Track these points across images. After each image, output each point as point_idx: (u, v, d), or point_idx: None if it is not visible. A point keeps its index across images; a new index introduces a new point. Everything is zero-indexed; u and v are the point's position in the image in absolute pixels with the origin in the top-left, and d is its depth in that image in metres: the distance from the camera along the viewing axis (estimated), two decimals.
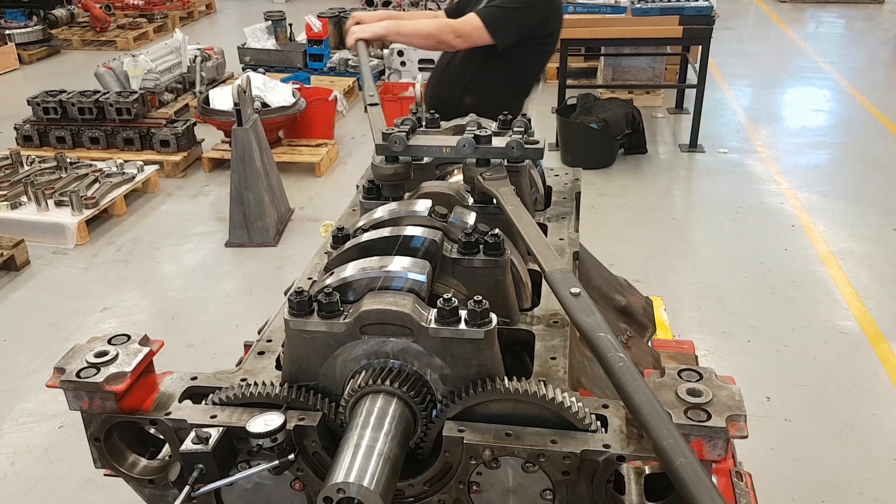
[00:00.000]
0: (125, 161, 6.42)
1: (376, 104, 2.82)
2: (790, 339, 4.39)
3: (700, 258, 5.38)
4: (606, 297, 2.52)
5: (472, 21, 3.27)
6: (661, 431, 1.20)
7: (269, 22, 9.55)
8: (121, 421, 1.56)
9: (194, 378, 1.64)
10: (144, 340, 1.61)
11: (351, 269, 1.58)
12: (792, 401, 3.90)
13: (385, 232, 1.70)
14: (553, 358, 1.67)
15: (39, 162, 6.41)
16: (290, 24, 9.80)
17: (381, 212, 1.84)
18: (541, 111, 8.36)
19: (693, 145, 7.18)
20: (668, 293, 4.73)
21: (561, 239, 2.21)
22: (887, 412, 3.85)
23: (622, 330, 2.35)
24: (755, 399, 3.88)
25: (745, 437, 1.32)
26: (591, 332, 1.39)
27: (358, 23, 3.39)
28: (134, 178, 6.26)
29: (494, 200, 1.91)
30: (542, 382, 1.49)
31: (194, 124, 7.12)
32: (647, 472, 1.57)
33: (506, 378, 1.48)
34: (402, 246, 1.66)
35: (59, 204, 5.75)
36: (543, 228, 2.26)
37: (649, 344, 2.51)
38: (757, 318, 4.59)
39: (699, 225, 5.90)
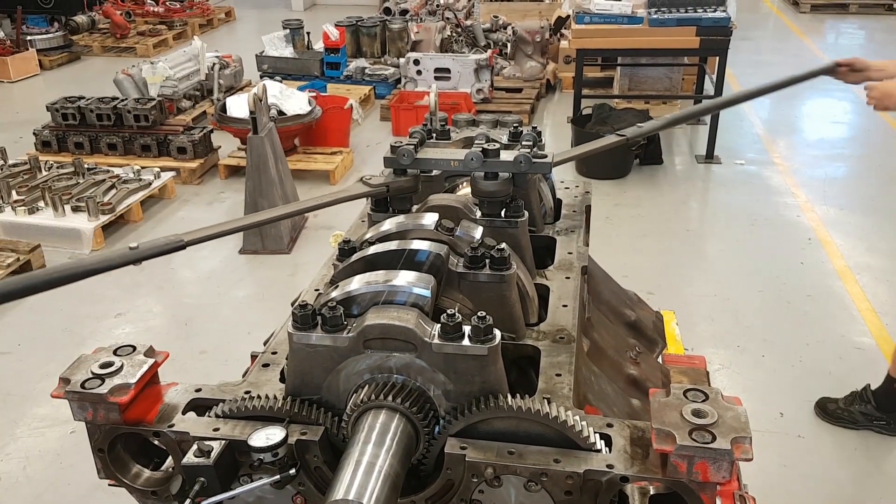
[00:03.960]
0: (142, 167, 6.47)
1: None
2: (805, 354, 4.34)
3: (715, 271, 5.33)
4: (616, 311, 2.50)
5: None
6: None
7: (287, 30, 9.61)
8: (124, 432, 1.57)
9: (198, 390, 1.65)
10: (150, 352, 1.62)
11: (355, 283, 1.58)
12: (806, 417, 3.86)
13: (391, 245, 1.70)
14: (558, 374, 1.66)
15: (57, 167, 6.47)
16: (308, 33, 9.86)
17: (388, 224, 1.84)
18: (556, 121, 8.35)
19: (710, 156, 7.14)
20: (681, 306, 4.69)
21: (570, 253, 2.19)
22: None
23: (631, 345, 2.33)
24: (768, 415, 3.84)
25: (750, 459, 1.30)
26: None
27: None
28: (150, 184, 6.30)
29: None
30: (545, 400, 1.48)
31: (211, 131, 7.18)
32: (652, 492, 1.55)
33: (509, 395, 1.47)
34: (408, 260, 1.66)
35: (75, 209, 5.80)
36: (551, 242, 2.25)
37: (659, 360, 2.49)
38: (772, 333, 4.54)
39: (714, 237, 5.86)
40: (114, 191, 6.10)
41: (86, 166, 6.39)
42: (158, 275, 5.40)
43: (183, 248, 1.71)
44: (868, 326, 4.59)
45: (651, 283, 4.97)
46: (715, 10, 6.73)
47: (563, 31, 9.43)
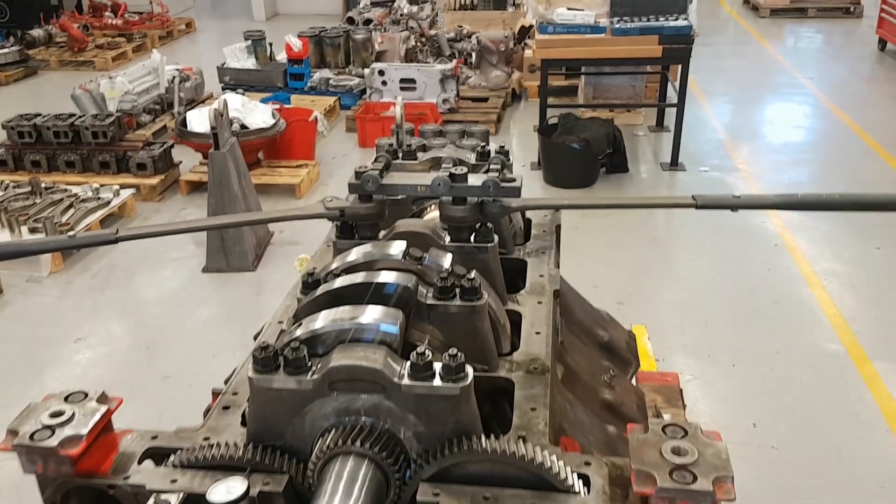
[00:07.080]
0: (101, 185, 6.31)
1: None
2: (775, 362, 4.35)
3: (683, 279, 5.34)
4: (589, 332, 2.46)
5: None
6: None
7: (249, 41, 9.49)
8: (77, 485, 1.48)
9: (155, 437, 1.56)
10: (102, 398, 1.53)
11: (320, 321, 1.51)
12: (778, 427, 3.85)
13: (357, 278, 1.63)
14: (533, 409, 1.60)
15: (14, 187, 6.30)
16: (271, 44, 9.74)
17: (355, 255, 1.77)
18: (523, 129, 8.34)
19: (674, 164, 7.17)
20: (651, 316, 4.69)
21: (541, 276, 2.14)
22: (874, 437, 3.80)
23: (605, 368, 2.29)
24: (742, 426, 3.83)
25: (733, 500, 1.26)
26: None
27: None
28: (109, 202, 6.15)
29: None
30: (521, 440, 1.43)
31: (171, 146, 7.03)
32: None
33: (483, 436, 1.41)
34: (375, 293, 1.59)
35: (32, 230, 5.63)
36: (522, 264, 2.19)
37: (633, 381, 2.45)
38: (742, 342, 4.55)
39: (682, 245, 5.88)
40: (72, 210, 5.95)
41: (43, 185, 6.22)
42: (120, 296, 5.26)
43: (115, 241, 1.79)
44: (836, 332, 4.61)
45: (621, 293, 4.96)
46: (677, 18, 6.77)
47: (526, 40, 9.43)
